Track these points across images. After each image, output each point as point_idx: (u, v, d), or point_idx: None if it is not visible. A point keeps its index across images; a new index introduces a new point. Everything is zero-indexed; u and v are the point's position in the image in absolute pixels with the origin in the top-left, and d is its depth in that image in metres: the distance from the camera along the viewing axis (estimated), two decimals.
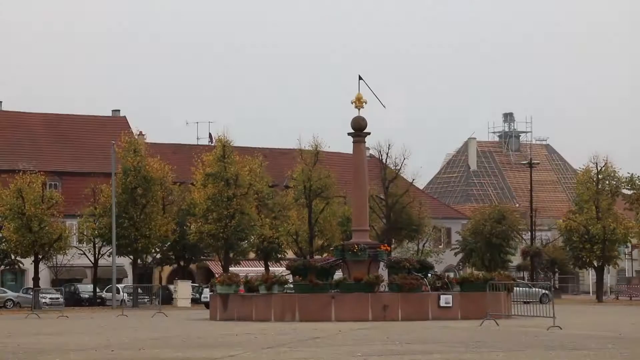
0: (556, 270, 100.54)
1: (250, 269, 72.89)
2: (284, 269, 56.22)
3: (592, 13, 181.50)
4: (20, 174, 75.77)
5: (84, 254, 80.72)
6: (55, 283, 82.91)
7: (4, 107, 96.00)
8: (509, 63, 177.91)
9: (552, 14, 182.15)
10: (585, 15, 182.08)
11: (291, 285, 49.01)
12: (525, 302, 57.50)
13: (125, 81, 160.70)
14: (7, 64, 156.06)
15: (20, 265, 79.54)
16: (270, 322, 45.23)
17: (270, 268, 75.04)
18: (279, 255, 79.85)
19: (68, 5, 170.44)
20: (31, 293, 76.44)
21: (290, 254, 77.98)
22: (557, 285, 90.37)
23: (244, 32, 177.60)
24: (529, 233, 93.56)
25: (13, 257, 77.97)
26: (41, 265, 77.60)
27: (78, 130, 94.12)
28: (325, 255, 67.72)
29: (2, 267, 79.58)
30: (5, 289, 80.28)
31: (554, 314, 38.26)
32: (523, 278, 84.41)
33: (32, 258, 76.22)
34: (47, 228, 74.85)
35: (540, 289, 70.34)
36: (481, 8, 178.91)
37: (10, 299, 78.21)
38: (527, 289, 69.24)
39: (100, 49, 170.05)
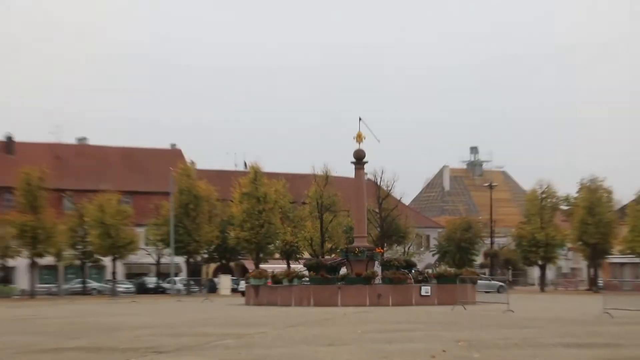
0: (509, 267, 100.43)
1: (276, 266, 72.78)
2: (302, 266, 56.26)
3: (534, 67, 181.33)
4: (101, 193, 76.15)
5: (150, 254, 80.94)
6: (128, 276, 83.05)
7: (90, 142, 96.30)
8: (474, 107, 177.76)
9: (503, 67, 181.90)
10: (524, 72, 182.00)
11: (307, 279, 49.04)
12: (486, 292, 57.41)
13: (179, 120, 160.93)
14: (90, 108, 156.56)
15: (102, 262, 79.69)
16: (291, 306, 45.27)
17: (291, 265, 75.03)
18: (298, 256, 79.80)
19: (132, 60, 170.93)
20: (110, 284, 76.73)
21: (306, 255, 77.90)
22: (510, 279, 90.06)
23: (269, 86, 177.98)
24: (489, 239, 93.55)
25: (96, 256, 78.16)
26: (117, 263, 77.83)
27: (144, 159, 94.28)
28: (333, 255, 67.62)
29: (88, 263, 79.60)
30: (90, 280, 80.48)
31: (508, 301, 38.23)
32: (484, 273, 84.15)
33: (111, 257, 76.49)
34: (121, 234, 75.17)
35: (497, 282, 70.20)
36: (448, 63, 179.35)
37: (94, 288, 78.42)
38: (487, 281, 69.14)
39: (158, 95, 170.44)
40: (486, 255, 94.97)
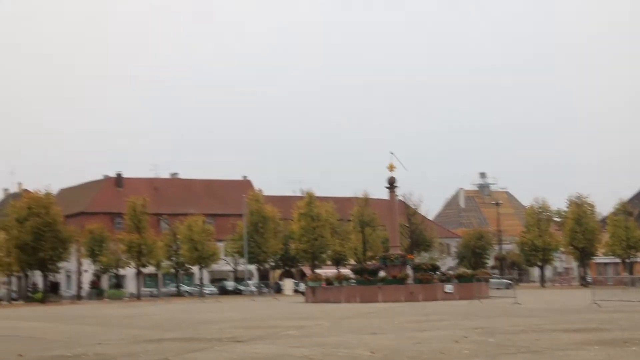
0: (515, 268, 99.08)
1: (328, 270, 72.56)
2: (349, 270, 56.07)
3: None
4: (190, 216, 76.70)
5: (228, 263, 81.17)
6: (212, 281, 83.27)
7: (180, 176, 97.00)
8: (481, 141, 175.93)
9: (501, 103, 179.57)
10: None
11: (353, 281, 48.86)
12: (497, 288, 56.73)
13: (249, 156, 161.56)
14: (179, 149, 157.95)
15: (191, 270, 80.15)
16: (341, 303, 45.05)
17: (340, 270, 74.74)
18: (345, 262, 79.53)
19: (213, 104, 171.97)
20: (198, 287, 77.08)
21: (352, 261, 77.64)
22: (516, 278, 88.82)
23: (316, 126, 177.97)
24: (498, 245, 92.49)
25: (187, 265, 78.61)
26: (203, 270, 78.16)
27: (222, 188, 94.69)
28: (373, 261, 67.35)
29: (181, 271, 79.98)
30: (183, 285, 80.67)
31: (515, 295, 37.71)
32: (495, 273, 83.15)
33: (198, 266, 76.87)
34: (206, 248, 75.55)
35: (506, 280, 69.36)
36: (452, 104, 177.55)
37: (186, 291, 78.72)
38: (498, 280, 68.38)
39: (232, 135, 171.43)
40: (496, 258, 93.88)
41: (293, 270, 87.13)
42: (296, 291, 73.35)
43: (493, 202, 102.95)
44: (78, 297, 75.47)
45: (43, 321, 33.65)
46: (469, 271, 54.83)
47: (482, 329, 20.46)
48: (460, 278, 48.22)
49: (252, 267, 79.94)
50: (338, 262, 79.74)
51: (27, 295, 74.09)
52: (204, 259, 75.74)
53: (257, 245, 76.07)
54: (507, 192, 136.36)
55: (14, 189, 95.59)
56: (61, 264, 71.74)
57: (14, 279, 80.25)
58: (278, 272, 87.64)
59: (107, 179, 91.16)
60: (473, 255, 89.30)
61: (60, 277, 78.97)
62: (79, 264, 78.93)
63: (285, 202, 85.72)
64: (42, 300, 68.43)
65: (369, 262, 68.06)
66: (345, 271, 60.34)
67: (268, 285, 79.41)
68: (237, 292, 78.44)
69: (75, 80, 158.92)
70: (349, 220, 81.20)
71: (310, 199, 78.67)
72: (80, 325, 28.88)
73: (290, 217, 79.77)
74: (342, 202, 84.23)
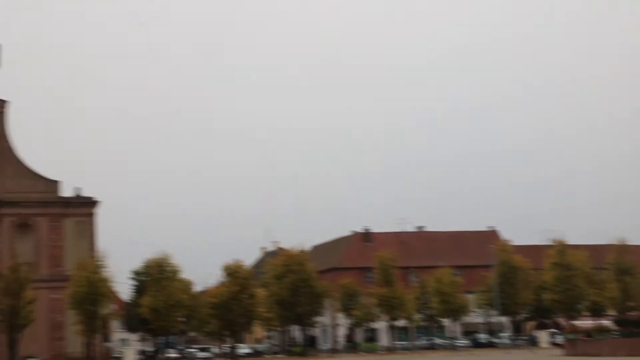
0: None
1: (585, 322, 69.00)
2: (609, 322, 53.21)
3: None
4: (437, 268, 77.02)
5: (479, 315, 79.88)
6: (465, 334, 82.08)
7: (426, 229, 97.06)
8: None
9: None
10: None
11: (616, 333, 46.27)
12: None
13: (494, 206, 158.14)
14: (424, 204, 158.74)
15: (442, 322, 79.88)
16: (603, 356, 42.75)
17: (600, 321, 70.82)
18: (604, 312, 75.17)
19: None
20: (450, 340, 76.65)
21: (610, 312, 73.28)
22: None
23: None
24: None
25: (437, 318, 78.39)
26: (455, 323, 77.62)
27: (468, 240, 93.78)
28: (636, 312, 63.01)
29: (432, 324, 79.83)
30: (434, 337, 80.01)
31: None
32: None
33: (449, 318, 76.57)
34: (456, 300, 75.23)
35: None
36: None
37: (439, 344, 77.89)
38: None
39: (476, 186, 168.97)
40: None
41: (547, 321, 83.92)
42: (553, 343, 70.53)
43: None
44: (334, 350, 78.09)
45: None
46: None
47: None
48: None
49: (504, 319, 78.06)
50: (596, 312, 75.61)
51: (288, 349, 78.02)
52: (455, 311, 75.41)
53: (508, 296, 74.38)
54: None
55: (271, 248, 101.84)
56: (317, 318, 74.88)
57: (274, 334, 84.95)
58: (532, 323, 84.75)
59: (355, 234, 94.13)
60: None
61: (317, 331, 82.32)
62: (333, 318, 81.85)
63: (534, 252, 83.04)
64: (302, 354, 71.70)
65: (631, 313, 63.88)
66: (605, 322, 57.19)
67: (522, 338, 77.01)
68: (490, 344, 76.84)
69: (348, 145, 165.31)
70: (605, 269, 76.92)
71: (562, 247, 75.74)
72: None
73: (541, 267, 77.22)
74: (595, 250, 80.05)
